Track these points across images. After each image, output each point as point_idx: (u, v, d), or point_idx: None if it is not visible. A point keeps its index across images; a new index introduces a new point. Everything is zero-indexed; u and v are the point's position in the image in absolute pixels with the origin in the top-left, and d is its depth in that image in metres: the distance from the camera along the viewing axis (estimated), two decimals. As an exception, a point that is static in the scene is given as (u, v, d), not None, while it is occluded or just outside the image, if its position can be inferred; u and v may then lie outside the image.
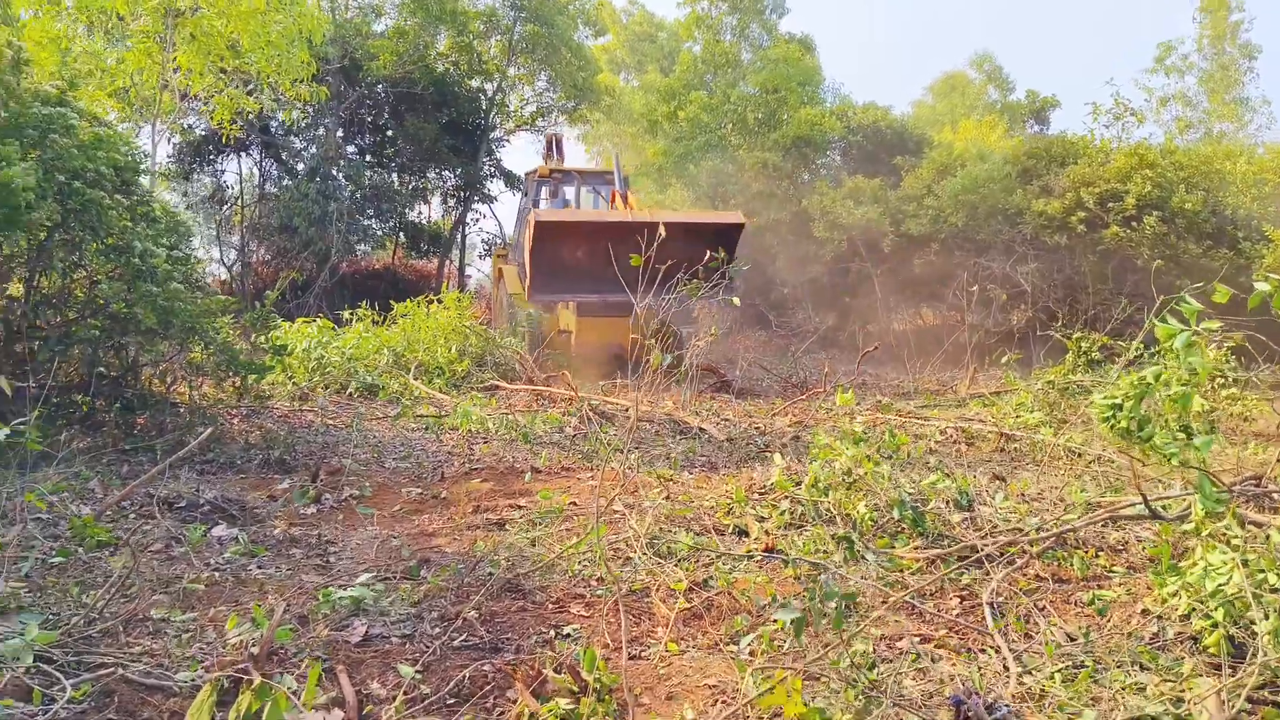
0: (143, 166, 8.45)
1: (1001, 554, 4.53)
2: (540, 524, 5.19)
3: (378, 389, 10.81)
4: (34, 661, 3.09)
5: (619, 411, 9.71)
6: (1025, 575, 4.29)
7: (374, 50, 20.30)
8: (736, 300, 7.01)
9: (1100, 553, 4.75)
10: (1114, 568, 4.53)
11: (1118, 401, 3.71)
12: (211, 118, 12.44)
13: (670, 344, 12.20)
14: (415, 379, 10.99)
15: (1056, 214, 14.11)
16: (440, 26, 21.48)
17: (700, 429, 8.60)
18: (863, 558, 4.13)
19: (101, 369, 7.81)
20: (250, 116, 13.49)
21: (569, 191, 16.43)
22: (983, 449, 8.12)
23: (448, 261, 26.00)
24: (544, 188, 16.35)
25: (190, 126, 19.49)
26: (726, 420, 9.32)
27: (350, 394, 10.70)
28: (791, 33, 31.46)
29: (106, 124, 8.08)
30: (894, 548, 4.57)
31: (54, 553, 4.47)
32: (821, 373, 14.32)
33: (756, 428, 9.09)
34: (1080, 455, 7.54)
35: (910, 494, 5.10)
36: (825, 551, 4.55)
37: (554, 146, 18.25)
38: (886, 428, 7.04)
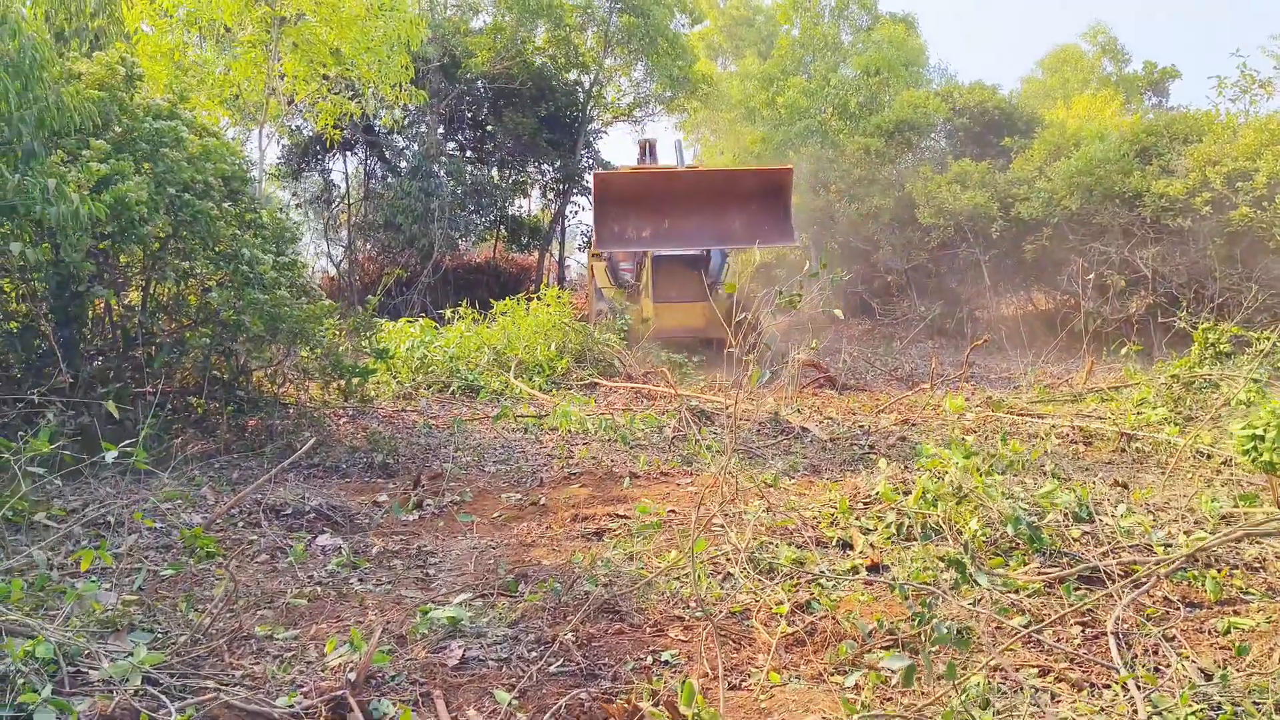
0: (251, 174, 8.67)
1: (1126, 574, 4.26)
2: (638, 536, 5.11)
3: (479, 387, 10.91)
4: (141, 683, 3.14)
5: (719, 409, 9.58)
6: (1152, 598, 4.02)
7: (472, 47, 20.50)
8: (839, 311, 6.80)
9: (1235, 571, 4.44)
10: (1250, 589, 4.22)
11: (1259, 432, 3.42)
12: (316, 122, 12.74)
13: (747, 330, 12.46)
14: (515, 377, 11.05)
15: (1179, 195, 13.35)
16: (537, 20, 21.58)
17: (803, 428, 8.40)
18: (975, 582, 3.93)
19: (214, 372, 8.06)
20: (354, 118, 13.76)
21: None
22: (1102, 450, 7.73)
23: (548, 254, 26.18)
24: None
25: (298, 128, 20.01)
26: (829, 419, 9.10)
27: (452, 392, 10.82)
28: (893, 12, 30.70)
29: (215, 134, 8.30)
30: (1008, 566, 4.34)
31: (165, 565, 4.59)
32: (928, 365, 13.92)
33: (860, 426, 8.84)
34: (1209, 457, 7.10)
35: (1025, 507, 4.85)
36: (933, 570, 4.35)
37: (648, 151, 18.60)
38: (999, 432, 6.75)
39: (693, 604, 3.97)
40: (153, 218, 6.77)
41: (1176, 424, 8.32)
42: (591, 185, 13.48)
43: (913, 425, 8.97)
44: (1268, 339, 9.46)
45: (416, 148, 21.53)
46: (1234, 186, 12.91)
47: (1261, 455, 3.47)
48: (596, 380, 11.42)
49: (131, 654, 3.30)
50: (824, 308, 8.37)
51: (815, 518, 5.36)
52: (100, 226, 6.36)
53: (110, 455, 4.05)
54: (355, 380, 8.41)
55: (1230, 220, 12.72)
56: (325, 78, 11.78)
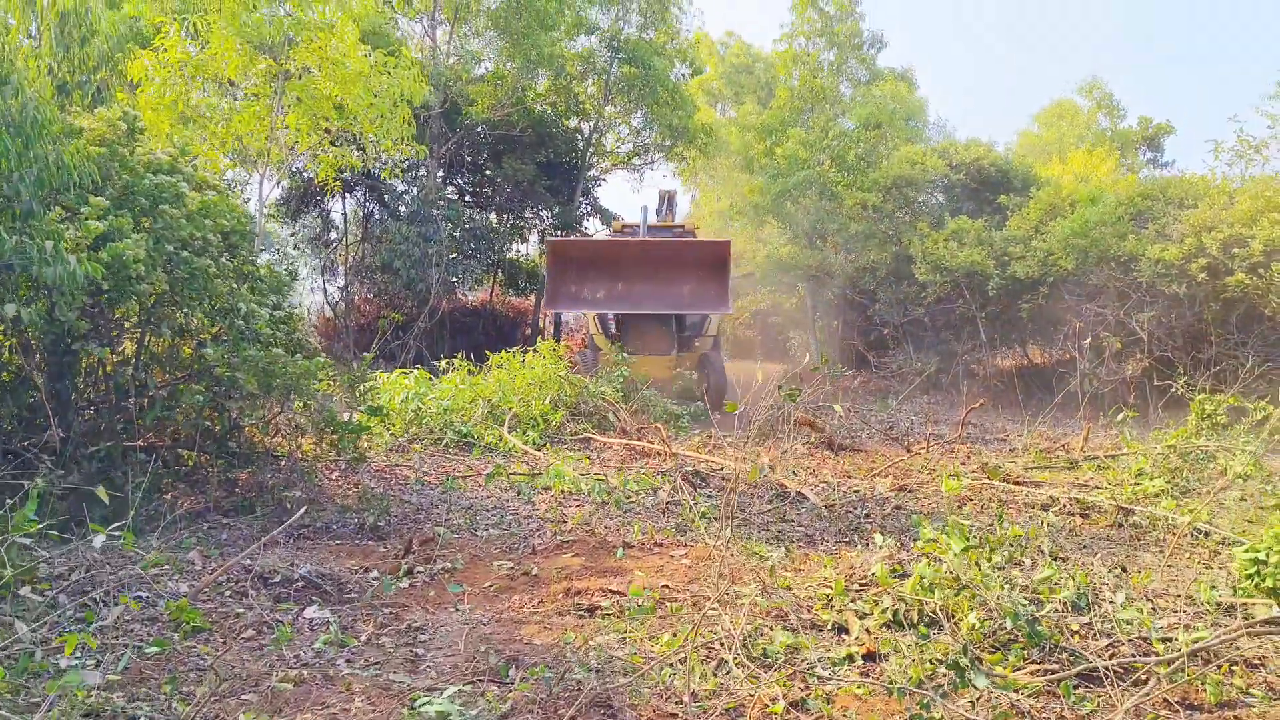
0: (251, 214, 8.66)
1: (1125, 670, 4.20)
2: (632, 618, 5.04)
3: (473, 440, 10.85)
4: (121, 781, 3.06)
5: (714, 470, 9.53)
6: (1151, 701, 3.96)
7: (473, 95, 20.66)
8: (839, 408, 6.80)
9: (1235, 667, 4.38)
10: (1251, 689, 4.17)
11: (1262, 556, 3.39)
12: (318, 173, 12.79)
13: (707, 374, 14.56)
14: (510, 431, 11.00)
15: (1175, 260, 13.40)
16: (538, 69, 21.76)
17: (799, 494, 8.35)
18: (972, 684, 3.87)
19: (207, 423, 8.00)
20: (354, 169, 13.83)
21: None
22: (1099, 523, 7.68)
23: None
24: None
25: (298, 170, 20.08)
26: (825, 483, 9.05)
27: (445, 445, 10.76)
28: (892, 68, 31.07)
29: (215, 187, 8.30)
30: (1006, 660, 4.28)
31: (150, 640, 4.51)
32: (924, 423, 13.89)
33: (856, 492, 8.79)
34: (1208, 535, 7.07)
35: (1023, 595, 4.80)
36: (931, 662, 4.28)
37: (667, 202, 19.79)
38: (995, 502, 6.70)
39: (687, 699, 3.90)
40: (150, 275, 6.76)
41: (1174, 497, 8.29)
42: (547, 250, 14.60)
43: (909, 491, 8.92)
44: (1263, 410, 9.47)
45: (416, 192, 21.62)
46: (1230, 253, 12.99)
47: (1264, 580, 3.42)
48: (590, 435, 11.37)
49: (112, 749, 3.23)
50: (824, 405, 8.74)
51: (810, 598, 5.30)
52: (96, 284, 6.34)
53: (99, 539, 3.98)
54: (348, 436, 8.35)
55: (1226, 286, 12.77)
56: (327, 131, 11.84)
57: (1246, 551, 3.65)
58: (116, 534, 4.17)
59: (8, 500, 5.67)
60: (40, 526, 4.71)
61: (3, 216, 5.99)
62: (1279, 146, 25.52)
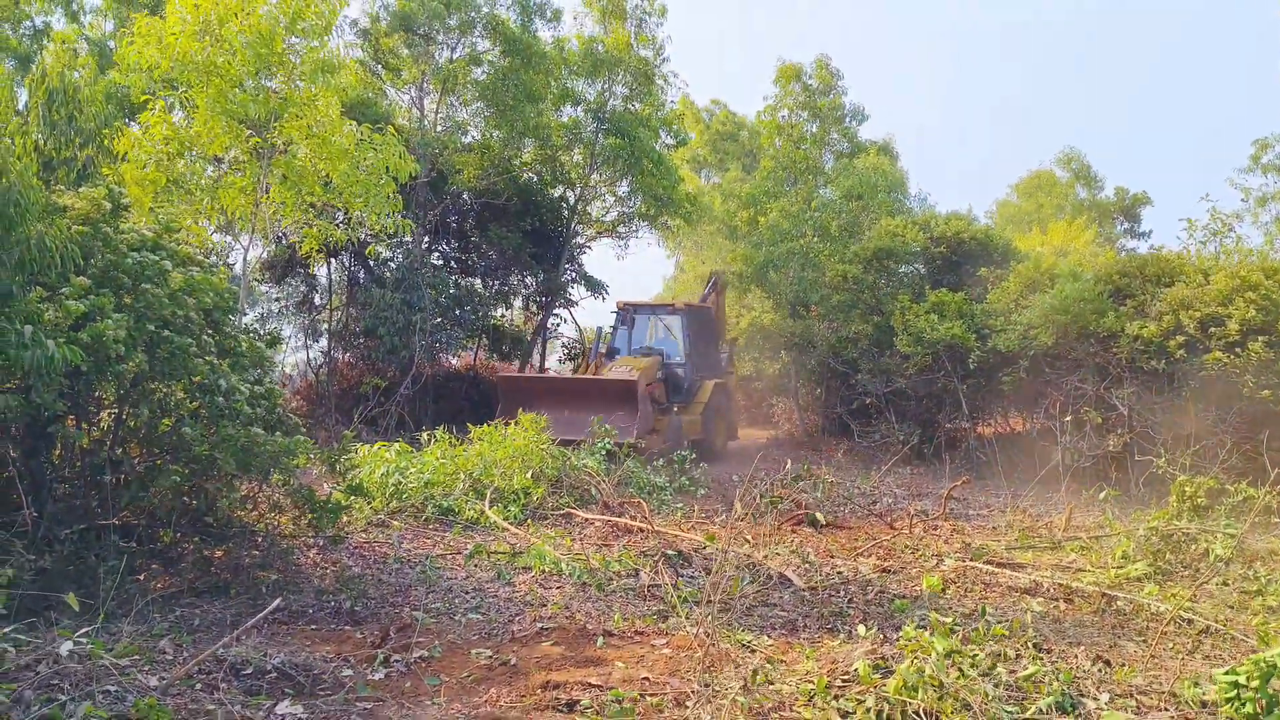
0: (233, 303, 8.65)
1: (1112, 779, 4.15)
2: (611, 716, 4.95)
3: (454, 515, 10.75)
4: None
5: (696, 549, 9.46)
6: (1139, 810, 3.90)
7: (459, 164, 20.86)
8: (820, 517, 6.81)
9: (1221, 772, 4.33)
10: (1239, 797, 4.12)
11: (1241, 680, 3.38)
12: (300, 247, 12.83)
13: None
14: (491, 505, 10.90)
15: (1153, 337, 13.56)
16: (525, 139, 22.01)
17: (782, 577, 8.29)
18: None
19: (184, 499, 7.90)
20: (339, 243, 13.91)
21: (640, 322, 20.67)
22: (1083, 609, 7.64)
23: (529, 365, 26.22)
24: (620, 318, 20.59)
25: (282, 237, 20.16)
26: (807, 564, 8.98)
27: (425, 520, 10.65)
28: (874, 139, 31.60)
29: (200, 264, 8.30)
30: (991, 766, 4.22)
31: (117, 742, 4.39)
32: (907, 496, 13.87)
33: (839, 572, 8.74)
34: (1190, 623, 7.04)
35: (1007, 693, 4.75)
36: (915, 768, 4.22)
37: (714, 285, 22.89)
38: (980, 596, 6.67)
39: (666, 811, 3.81)
40: (130, 355, 6.71)
41: (1156, 581, 8.28)
42: (499, 385, 17.89)
43: (892, 573, 8.87)
44: (1243, 492, 9.51)
45: (401, 259, 21.70)
46: (1207, 331, 13.14)
47: (1244, 705, 3.41)
48: (572, 510, 11.29)
49: None
50: (809, 517, 9.13)
51: (793, 694, 5.23)
52: (75, 366, 6.29)
53: (65, 646, 3.90)
54: (327, 516, 8.26)
55: (1204, 364, 12.90)
56: (311, 206, 11.90)
57: (1226, 674, 3.63)
58: (83, 640, 4.07)
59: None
60: (5, 616, 4.62)
61: (-18, 300, 5.96)
62: (1253, 220, 26.07)
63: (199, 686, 5.31)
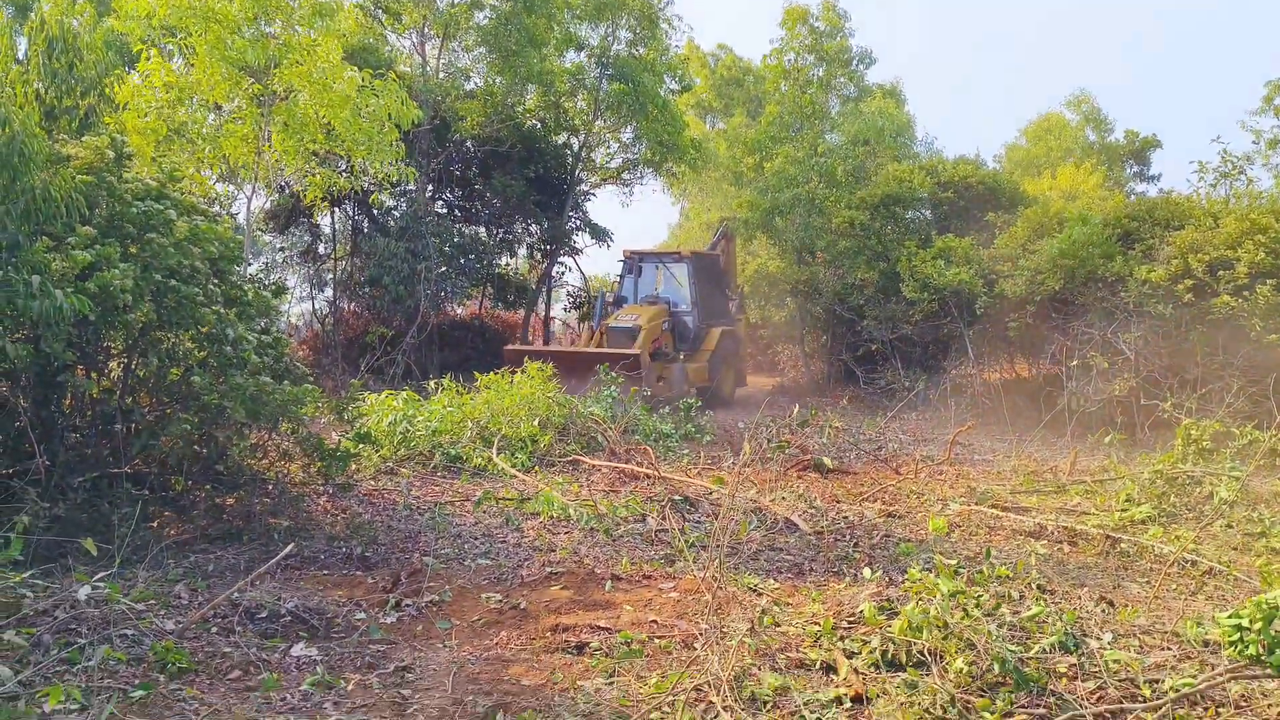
0: (239, 252, 8.63)
1: (1114, 716, 4.22)
2: (620, 659, 5.03)
3: (462, 463, 10.82)
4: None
5: (702, 495, 9.53)
6: (1140, 746, 3.97)
7: (462, 111, 20.65)
8: (828, 461, 6.83)
9: (1221, 709, 4.39)
10: (1238, 732, 4.19)
11: (1244, 623, 3.41)
12: (304, 195, 12.77)
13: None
14: (499, 452, 10.97)
15: (1161, 281, 13.48)
16: (528, 85, 21.78)
17: (788, 521, 8.36)
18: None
19: (195, 449, 7.96)
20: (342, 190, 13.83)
21: (647, 270, 20.57)
22: (1087, 551, 7.71)
23: (534, 313, 26.21)
24: (626, 266, 20.59)
25: (286, 185, 20.05)
26: (813, 508, 9.05)
27: (434, 468, 10.73)
28: (880, 83, 31.20)
29: (204, 213, 8.27)
30: (994, 703, 4.28)
31: (136, 683, 4.48)
32: (912, 442, 13.92)
33: (845, 517, 8.80)
34: (1194, 564, 7.09)
35: (1011, 633, 4.81)
36: (920, 707, 4.29)
37: (724, 235, 22.99)
38: (984, 540, 6.73)
39: (675, 748, 3.89)
40: (137, 305, 6.73)
41: (1160, 524, 8.33)
42: (505, 357, 16.67)
43: (897, 517, 8.94)
44: (1249, 435, 9.52)
45: (405, 207, 21.60)
46: (1215, 275, 13.07)
47: (1247, 647, 3.45)
48: (579, 457, 11.36)
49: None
50: (815, 461, 9.19)
51: (799, 635, 5.30)
52: (83, 315, 6.30)
53: (83, 590, 3.96)
54: (336, 464, 8.33)
55: (1212, 308, 12.85)
56: (315, 154, 11.81)
57: (1230, 617, 3.67)
58: (101, 585, 4.14)
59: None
60: (22, 563, 4.68)
61: (-11, 250, 5.96)
62: (1264, 162, 25.78)
63: (214, 630, 5.41)
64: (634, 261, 20.54)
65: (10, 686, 4.23)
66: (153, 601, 5.61)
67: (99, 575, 4.26)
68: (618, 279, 20.90)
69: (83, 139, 7.39)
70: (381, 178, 12.44)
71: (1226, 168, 15.60)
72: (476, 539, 7.84)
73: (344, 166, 13.85)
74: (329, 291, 23.55)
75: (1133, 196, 30.18)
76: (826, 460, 10.41)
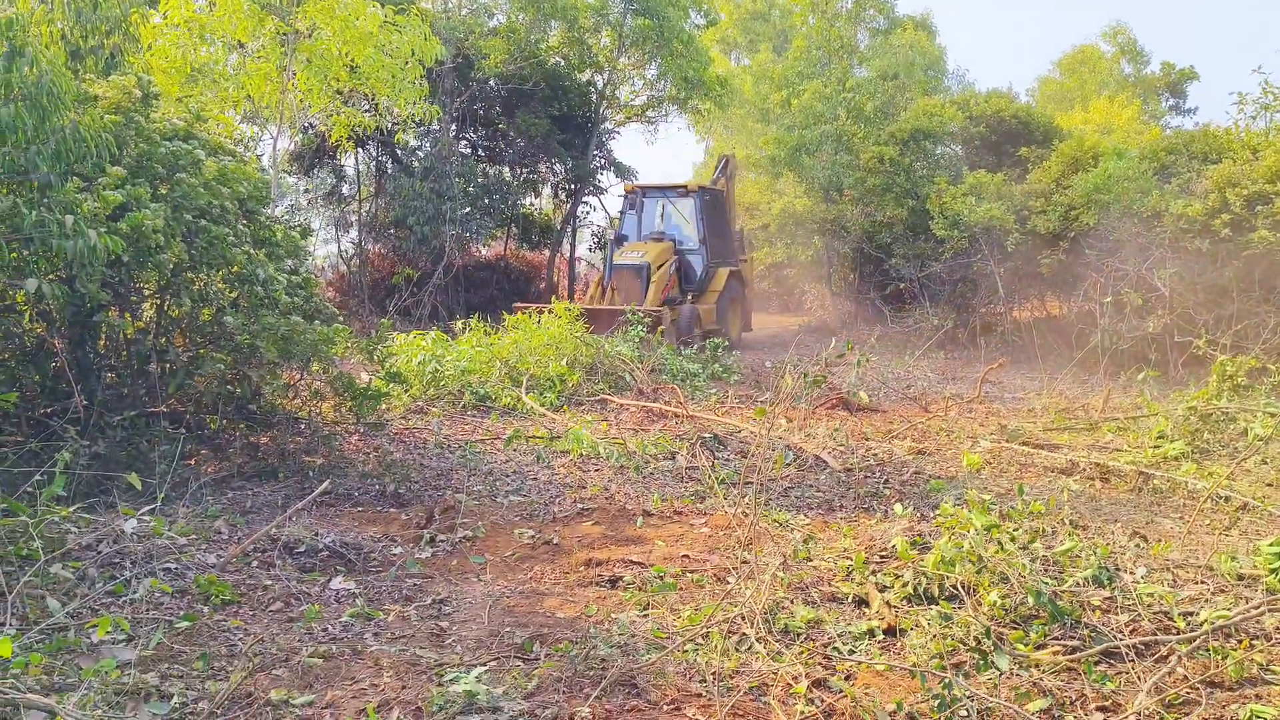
0: (266, 192, 8.63)
1: (1148, 648, 4.23)
2: (653, 592, 5.08)
3: (491, 402, 10.89)
4: (157, 762, 3.13)
5: (731, 433, 9.55)
6: (1174, 678, 3.98)
7: (485, 49, 20.42)
8: (865, 396, 6.79)
9: (1256, 641, 4.39)
10: (1272, 665, 4.18)
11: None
12: (330, 134, 12.70)
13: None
14: (527, 392, 11.02)
15: (1198, 216, 13.22)
16: (551, 21, 21.51)
17: (818, 458, 8.37)
18: (993, 665, 3.89)
19: (229, 389, 8.05)
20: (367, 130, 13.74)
21: (649, 205, 19.48)
22: (1120, 488, 7.67)
23: (559, 253, 26.14)
24: (628, 201, 19.51)
25: (311, 125, 19.97)
26: (843, 446, 9.05)
27: (463, 407, 10.81)
28: (910, 15, 30.50)
29: (232, 153, 8.27)
30: (1028, 636, 4.30)
31: (181, 614, 4.57)
32: (941, 381, 13.85)
33: (874, 455, 8.80)
34: (1227, 500, 7.05)
35: (1044, 568, 4.82)
36: (953, 639, 4.31)
37: (724, 166, 21.67)
38: (1016, 476, 6.71)
39: (710, 678, 3.94)
40: (169, 245, 6.75)
41: (1194, 460, 8.27)
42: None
43: (927, 455, 8.92)
44: (1286, 371, 9.39)
45: (429, 147, 21.48)
46: (1253, 209, 12.80)
47: None
48: (607, 396, 11.39)
49: (147, 729, 3.30)
50: (850, 393, 9.16)
51: (830, 570, 5.34)
52: (116, 255, 6.34)
53: (129, 525, 4.03)
54: (367, 403, 8.40)
55: (1249, 243, 12.61)
56: (339, 92, 11.73)
57: (1271, 545, 3.64)
58: (146, 518, 4.21)
59: (35, 469, 5.74)
60: (65, 499, 4.77)
61: (21, 190, 5.98)
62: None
63: (255, 564, 5.51)
64: (636, 197, 19.29)
65: (59, 618, 4.34)
66: (194, 536, 5.72)
67: (143, 509, 4.33)
68: (618, 215, 19.82)
69: (109, 78, 7.37)
70: (405, 116, 12.34)
71: (1268, 99, 15.19)
72: (508, 476, 7.91)
73: (368, 106, 13.75)
74: (354, 233, 23.58)
75: (1169, 130, 29.51)
76: (863, 394, 10.31)
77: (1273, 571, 3.58)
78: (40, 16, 7.23)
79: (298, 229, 9.45)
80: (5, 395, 5.12)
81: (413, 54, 11.26)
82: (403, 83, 11.21)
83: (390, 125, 14.77)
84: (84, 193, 6.39)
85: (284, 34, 11.04)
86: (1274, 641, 4.42)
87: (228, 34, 10.84)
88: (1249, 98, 15.27)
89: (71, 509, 5.32)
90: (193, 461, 7.70)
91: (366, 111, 13.35)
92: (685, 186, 19.36)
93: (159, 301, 7.96)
